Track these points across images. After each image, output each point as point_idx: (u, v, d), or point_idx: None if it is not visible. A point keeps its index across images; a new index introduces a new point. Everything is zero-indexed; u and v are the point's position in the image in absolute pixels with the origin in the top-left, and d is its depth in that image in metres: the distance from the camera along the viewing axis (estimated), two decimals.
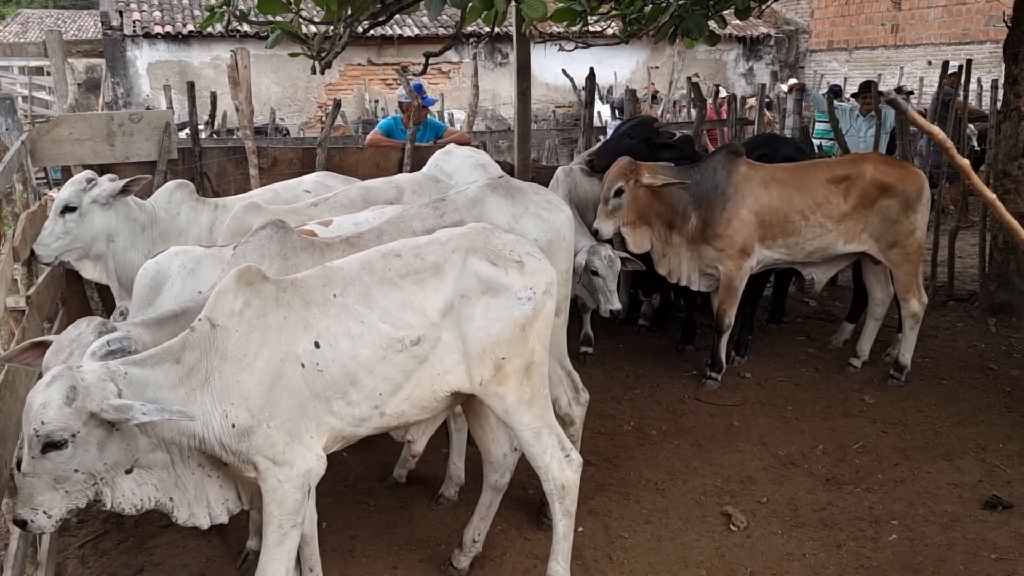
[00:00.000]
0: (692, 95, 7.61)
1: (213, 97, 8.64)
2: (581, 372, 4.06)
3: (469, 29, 4.92)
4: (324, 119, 12.49)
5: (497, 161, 6.08)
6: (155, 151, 4.92)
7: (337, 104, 5.71)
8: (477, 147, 5.79)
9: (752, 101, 9.51)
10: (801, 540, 3.65)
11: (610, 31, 6.16)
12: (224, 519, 2.75)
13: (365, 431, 2.84)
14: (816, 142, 9.04)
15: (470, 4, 3.81)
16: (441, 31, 16.60)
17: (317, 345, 2.65)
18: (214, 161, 5.23)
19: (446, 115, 12.37)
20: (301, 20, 3.32)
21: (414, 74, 5.09)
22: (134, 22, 16.03)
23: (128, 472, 2.46)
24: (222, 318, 2.58)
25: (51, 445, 2.29)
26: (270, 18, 3.39)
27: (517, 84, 5.96)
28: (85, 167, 4.75)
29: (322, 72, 3.39)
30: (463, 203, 3.55)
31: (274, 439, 2.59)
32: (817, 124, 9.84)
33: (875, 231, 5.04)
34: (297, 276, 2.83)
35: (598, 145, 6.15)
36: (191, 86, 5.29)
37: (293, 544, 2.71)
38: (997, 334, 6.00)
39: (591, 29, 5.76)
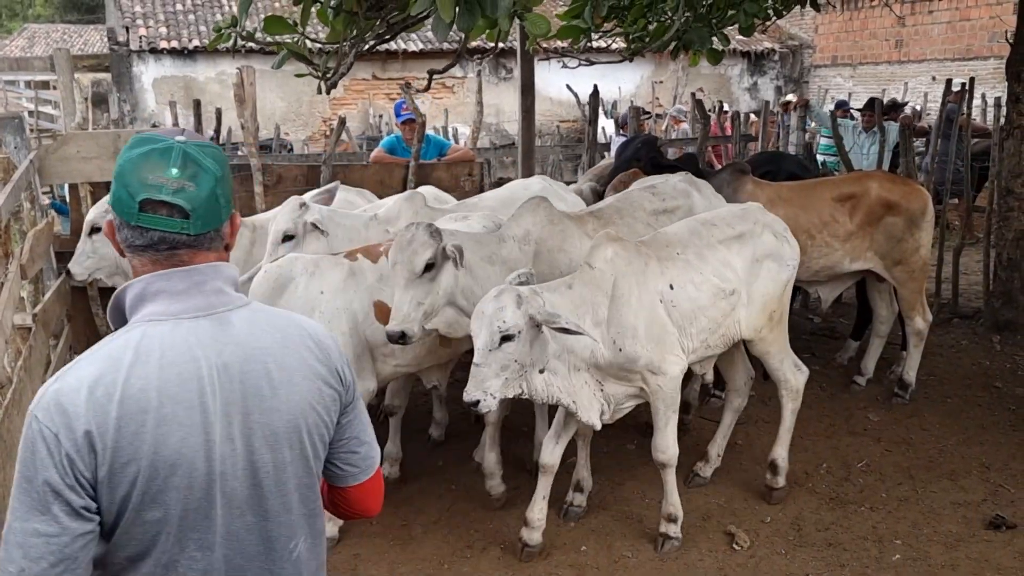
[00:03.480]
0: (695, 111, 7.63)
1: (218, 113, 8.70)
2: None
3: (473, 44, 4.94)
4: (328, 134, 12.55)
5: (500, 178, 6.09)
6: None
7: (342, 122, 5.74)
8: (481, 164, 5.81)
9: (755, 117, 9.54)
10: (804, 560, 3.64)
11: (614, 46, 6.18)
12: (598, 425, 3.50)
13: (692, 359, 3.67)
14: (820, 158, 9.07)
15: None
16: (445, 46, 16.64)
17: (671, 287, 3.50)
18: None
19: (450, 130, 12.41)
20: (307, 41, 3.35)
21: (417, 90, 5.12)
22: (140, 37, 16.13)
23: (540, 372, 3.24)
24: (599, 263, 3.38)
25: (506, 338, 3.04)
26: (277, 38, 3.42)
27: (521, 102, 6.00)
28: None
29: (328, 92, 3.42)
30: (673, 191, 4.54)
31: (652, 357, 3.42)
32: (821, 140, 9.87)
33: (880, 249, 5.04)
34: (644, 239, 3.68)
35: (603, 163, 6.16)
36: (197, 104, 5.33)
37: (675, 423, 3.62)
38: (1002, 352, 5.99)
39: (595, 45, 5.80)
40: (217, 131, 9.09)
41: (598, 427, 3.53)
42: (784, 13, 6.27)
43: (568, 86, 12.08)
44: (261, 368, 1.42)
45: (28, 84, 21.06)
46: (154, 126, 12.53)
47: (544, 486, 3.67)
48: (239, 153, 7.98)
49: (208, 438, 1.36)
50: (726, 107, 11.62)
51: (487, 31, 4.37)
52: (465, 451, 4.60)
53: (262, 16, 4.29)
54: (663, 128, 13.50)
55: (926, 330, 5.16)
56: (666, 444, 3.63)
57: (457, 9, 2.76)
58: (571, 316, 3.22)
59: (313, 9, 3.38)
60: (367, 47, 3.62)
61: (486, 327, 3.06)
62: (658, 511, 3.89)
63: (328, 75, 3.32)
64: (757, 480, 4.29)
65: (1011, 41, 6.13)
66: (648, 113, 15.91)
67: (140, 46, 15.99)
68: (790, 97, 12.54)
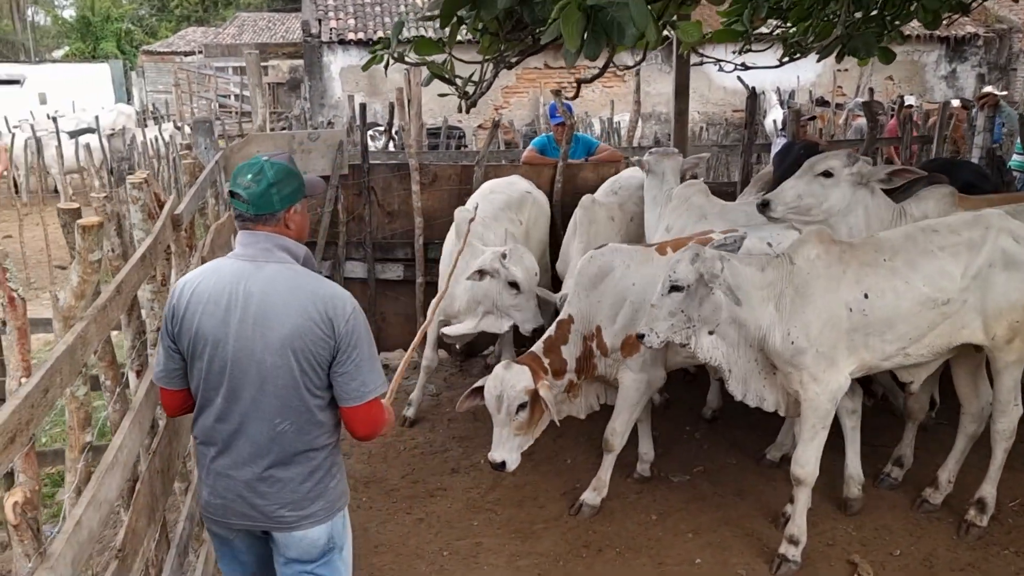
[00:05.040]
0: (867, 110, 7.23)
1: (391, 108, 9.19)
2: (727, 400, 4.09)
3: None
4: (504, 124, 12.92)
5: None
6: (329, 167, 5.39)
7: (495, 124, 5.98)
8: (628, 164, 5.85)
9: (932, 109, 8.82)
10: None
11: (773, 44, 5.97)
12: (766, 408, 3.71)
13: (888, 365, 3.66)
14: (1019, 160, 8.30)
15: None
16: None
17: (866, 296, 3.48)
18: (380, 177, 5.65)
19: (614, 122, 12.42)
20: (454, 60, 3.56)
21: (567, 98, 5.25)
22: (331, 29, 17.24)
23: (710, 333, 3.45)
24: (799, 260, 3.49)
25: (674, 288, 3.35)
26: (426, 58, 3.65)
27: (675, 104, 5.97)
28: None
29: (467, 111, 3.63)
30: None
31: (818, 361, 3.44)
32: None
33: None
34: (855, 241, 3.72)
35: (765, 172, 6.01)
36: (363, 108, 5.74)
37: (821, 440, 3.59)
38: None
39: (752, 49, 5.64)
40: (390, 124, 9.63)
41: (765, 407, 3.71)
42: (973, 6, 5.83)
43: (739, 77, 11.70)
44: (271, 300, 2.24)
45: (236, 70, 23.09)
46: (329, 124, 13.39)
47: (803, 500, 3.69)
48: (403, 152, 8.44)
49: (227, 331, 2.24)
50: (909, 101, 10.86)
51: (636, 42, 4.41)
52: (593, 450, 4.73)
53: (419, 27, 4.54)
54: (841, 122, 12.85)
55: None
56: (807, 459, 3.60)
57: (585, 36, 2.85)
58: (753, 292, 3.40)
59: (463, 29, 3.59)
60: (509, 64, 3.79)
61: (664, 274, 3.43)
62: (781, 531, 3.85)
63: (470, 94, 3.52)
64: (893, 508, 4.13)
65: None
66: (826, 103, 15.18)
67: (330, 37, 17.10)
68: (989, 88, 11.51)
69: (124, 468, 2.17)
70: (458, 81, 3.51)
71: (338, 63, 17.22)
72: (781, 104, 15.72)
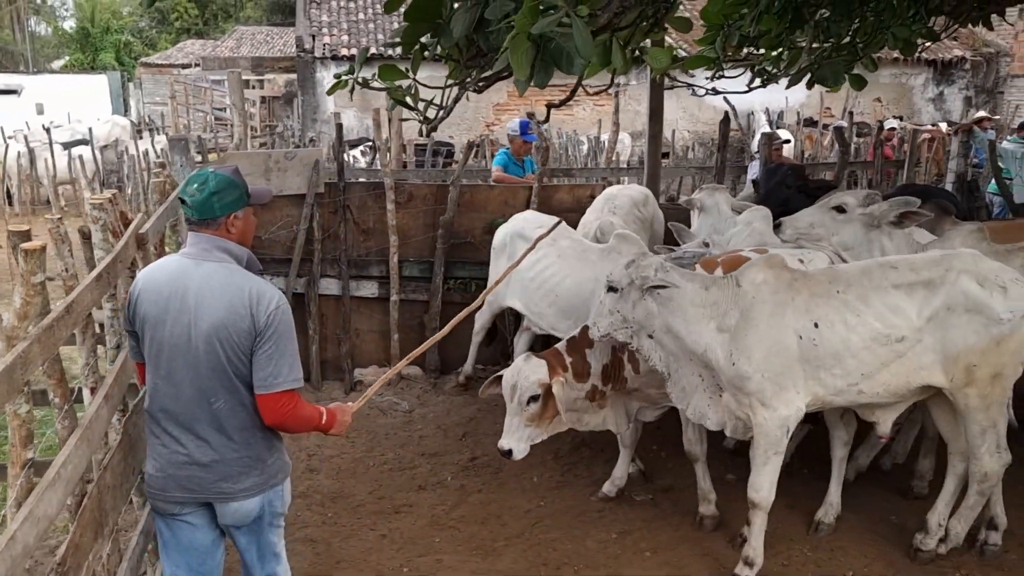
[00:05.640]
0: (837, 135, 7.34)
1: (375, 123, 9.28)
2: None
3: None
4: (491, 140, 13.03)
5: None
6: (305, 185, 5.46)
7: (470, 146, 6.08)
8: (603, 187, 5.93)
9: (892, 130, 8.81)
10: None
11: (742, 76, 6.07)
12: (707, 425, 3.75)
13: (841, 402, 3.63)
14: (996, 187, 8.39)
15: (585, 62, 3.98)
16: None
17: (816, 325, 3.48)
18: (356, 195, 5.73)
19: (600, 140, 12.53)
20: (418, 85, 3.64)
21: (540, 121, 5.33)
22: (324, 45, 17.36)
23: (649, 337, 3.58)
24: (745, 283, 3.52)
25: (610, 288, 3.56)
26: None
27: (649, 127, 6.07)
28: None
29: (427, 135, 3.71)
30: None
31: (764, 387, 3.46)
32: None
33: None
34: (810, 271, 3.77)
35: (747, 193, 6.11)
36: (340, 127, 5.82)
37: (775, 465, 3.60)
38: None
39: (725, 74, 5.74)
40: (373, 141, 9.73)
41: (707, 425, 3.76)
42: (942, 37, 5.94)
43: (725, 98, 11.80)
44: (204, 294, 2.52)
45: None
46: (311, 141, 13.50)
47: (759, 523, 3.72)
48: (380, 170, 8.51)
49: (165, 318, 2.54)
50: (892, 124, 10.98)
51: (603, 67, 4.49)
52: (560, 470, 4.78)
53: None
54: (826, 143, 12.98)
55: None
56: (761, 484, 3.62)
57: (535, 66, 2.92)
58: (688, 308, 3.49)
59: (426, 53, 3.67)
60: (477, 89, 3.86)
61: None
62: (738, 552, 3.90)
63: (431, 119, 3.59)
64: (852, 530, 4.17)
65: None
66: (814, 123, 15.31)
67: (323, 53, 17.21)
68: (982, 113, 11.68)
69: (68, 484, 2.22)
70: (420, 105, 3.58)
71: (330, 78, 17.29)
72: (770, 124, 15.87)
